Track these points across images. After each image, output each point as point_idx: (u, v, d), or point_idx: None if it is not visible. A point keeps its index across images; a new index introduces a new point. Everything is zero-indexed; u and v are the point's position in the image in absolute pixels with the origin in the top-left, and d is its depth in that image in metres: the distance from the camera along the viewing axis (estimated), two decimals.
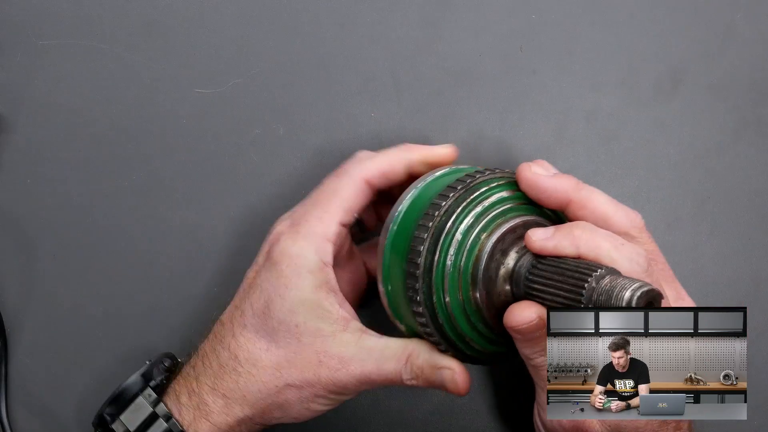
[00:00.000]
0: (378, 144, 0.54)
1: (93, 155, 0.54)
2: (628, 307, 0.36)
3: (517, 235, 0.42)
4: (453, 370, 0.42)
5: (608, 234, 0.40)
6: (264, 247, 0.45)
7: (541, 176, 0.42)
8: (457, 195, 0.42)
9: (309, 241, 0.42)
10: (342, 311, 0.43)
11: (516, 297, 0.42)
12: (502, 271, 0.42)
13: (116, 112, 0.54)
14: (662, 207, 0.55)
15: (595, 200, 0.42)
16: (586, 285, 0.37)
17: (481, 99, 0.55)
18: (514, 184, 0.43)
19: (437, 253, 0.42)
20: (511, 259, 0.42)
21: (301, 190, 0.54)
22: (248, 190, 0.54)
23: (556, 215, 0.44)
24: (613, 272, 0.37)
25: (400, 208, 0.45)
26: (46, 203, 0.53)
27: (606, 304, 0.36)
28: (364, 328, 0.43)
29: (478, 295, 0.42)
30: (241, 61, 0.55)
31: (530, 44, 0.56)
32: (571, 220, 0.42)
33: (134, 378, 0.44)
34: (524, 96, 0.55)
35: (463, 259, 0.42)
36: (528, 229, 0.42)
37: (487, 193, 0.42)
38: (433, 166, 0.46)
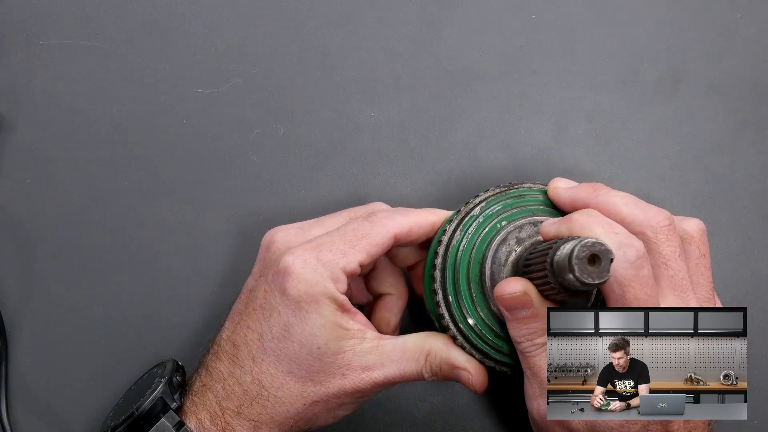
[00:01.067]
0: (378, 144, 0.54)
1: (93, 155, 0.54)
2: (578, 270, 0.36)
3: (537, 229, 0.44)
4: (469, 373, 0.44)
5: (609, 222, 0.40)
6: (272, 263, 0.43)
7: (559, 189, 0.45)
8: (497, 191, 0.45)
9: (329, 269, 0.42)
10: (358, 324, 0.43)
11: None
12: (512, 257, 0.43)
13: (116, 112, 0.54)
14: (662, 207, 0.54)
15: (612, 203, 0.42)
16: (551, 249, 0.38)
17: (481, 99, 0.55)
18: None
19: (458, 231, 0.44)
20: (523, 248, 0.43)
21: (301, 190, 0.54)
22: (248, 190, 0.54)
23: None
24: (581, 239, 0.37)
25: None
26: (46, 203, 0.53)
27: (561, 263, 0.37)
28: (379, 333, 0.44)
29: (484, 275, 0.43)
30: (241, 61, 0.55)
31: (530, 44, 0.56)
32: None
33: (151, 399, 0.43)
34: (524, 96, 0.55)
35: (479, 239, 0.44)
36: None
37: (525, 192, 0.45)
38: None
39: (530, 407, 0.43)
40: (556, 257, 0.37)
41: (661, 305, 0.40)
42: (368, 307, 0.50)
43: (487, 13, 0.56)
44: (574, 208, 0.43)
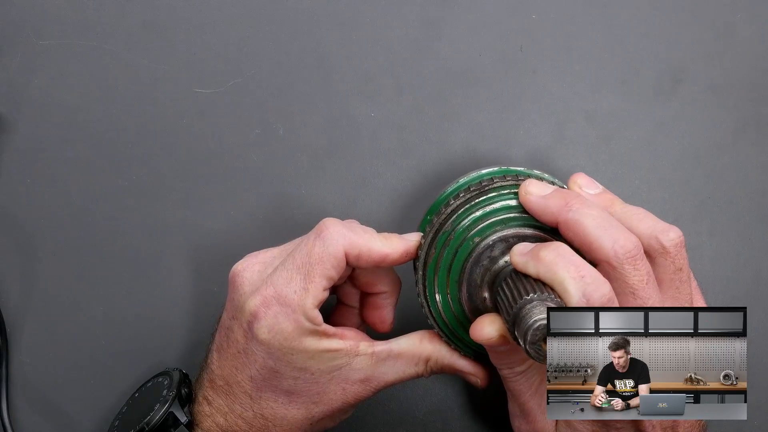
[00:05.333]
0: (378, 144, 0.54)
1: (93, 155, 0.54)
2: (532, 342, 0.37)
3: (509, 245, 0.43)
4: (477, 377, 0.45)
5: (575, 263, 0.38)
6: (241, 308, 0.42)
7: (530, 196, 0.42)
8: (467, 197, 0.43)
9: (299, 313, 0.41)
10: (348, 342, 0.43)
11: (492, 306, 0.43)
12: (487, 277, 0.43)
13: (116, 112, 0.54)
14: (662, 207, 0.55)
15: (581, 224, 0.40)
16: (513, 309, 0.38)
17: (481, 99, 0.55)
18: None
19: (432, 248, 0.43)
20: (498, 267, 0.43)
21: (301, 190, 0.54)
22: (248, 190, 0.54)
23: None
24: (542, 300, 0.37)
25: (436, 200, 0.46)
26: (46, 203, 0.53)
27: (520, 332, 0.37)
28: (372, 341, 0.44)
29: (462, 296, 0.43)
30: (241, 61, 0.55)
31: (530, 44, 0.56)
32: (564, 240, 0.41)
33: (162, 414, 0.43)
34: (524, 96, 0.55)
35: (454, 259, 0.43)
36: (520, 240, 0.42)
37: (495, 199, 0.43)
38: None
39: (512, 425, 0.44)
40: (517, 325, 0.37)
41: None
42: (360, 305, 0.49)
43: (487, 13, 0.56)
44: (544, 220, 0.42)
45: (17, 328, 0.52)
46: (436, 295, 0.44)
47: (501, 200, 0.43)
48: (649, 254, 0.41)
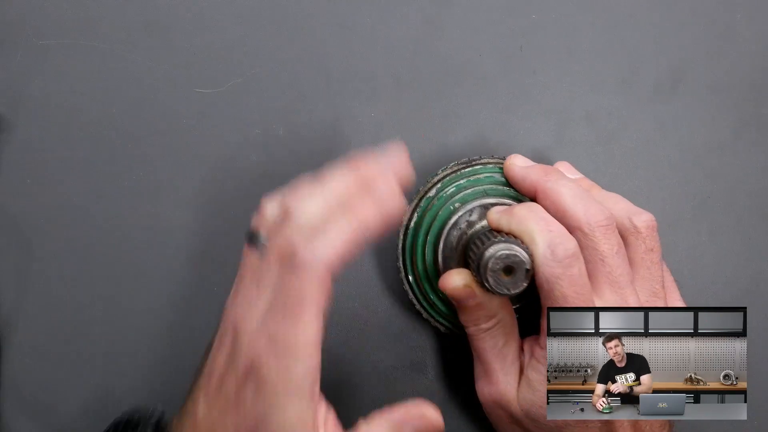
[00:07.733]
0: (378, 144, 0.54)
1: (93, 155, 0.54)
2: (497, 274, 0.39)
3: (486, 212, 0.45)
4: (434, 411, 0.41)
5: (545, 218, 0.41)
6: (238, 357, 0.38)
7: (514, 166, 0.46)
8: (454, 168, 0.47)
9: (295, 361, 0.36)
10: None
11: (464, 264, 0.45)
12: (463, 239, 0.45)
13: (116, 112, 0.54)
14: (662, 207, 0.55)
15: (557, 192, 0.43)
16: (481, 249, 0.40)
17: (481, 99, 0.55)
18: None
19: (415, 214, 0.46)
20: (474, 231, 0.45)
21: None
22: (248, 190, 0.54)
23: None
24: (507, 242, 0.39)
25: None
26: (46, 203, 0.53)
27: (481, 269, 0.39)
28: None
29: (437, 259, 0.45)
30: (241, 61, 0.55)
31: (530, 44, 0.56)
32: None
33: None
34: (524, 96, 0.55)
35: (434, 221, 0.46)
36: None
37: (481, 171, 0.47)
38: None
39: (476, 387, 0.46)
40: (481, 261, 0.39)
41: (597, 302, 0.41)
42: None
43: (487, 13, 0.56)
44: (524, 188, 0.45)
45: (15, 328, 0.52)
46: (414, 261, 0.46)
47: (486, 172, 0.46)
48: (622, 234, 0.44)
